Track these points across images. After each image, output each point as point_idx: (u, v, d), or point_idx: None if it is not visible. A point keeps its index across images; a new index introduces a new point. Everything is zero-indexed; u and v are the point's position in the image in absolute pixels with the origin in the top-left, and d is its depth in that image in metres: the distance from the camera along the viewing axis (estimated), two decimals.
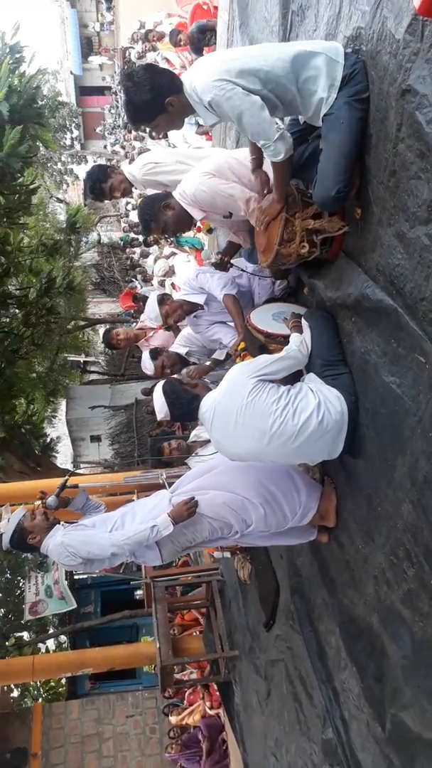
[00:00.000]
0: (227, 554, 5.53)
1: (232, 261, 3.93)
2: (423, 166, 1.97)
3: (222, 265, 3.90)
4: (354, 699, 2.97)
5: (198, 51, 7.33)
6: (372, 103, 2.31)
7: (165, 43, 9.99)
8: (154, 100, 2.58)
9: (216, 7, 6.05)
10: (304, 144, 2.81)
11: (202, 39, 7.07)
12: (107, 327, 9.20)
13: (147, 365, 4.89)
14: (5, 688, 10.62)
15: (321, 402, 2.75)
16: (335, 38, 2.60)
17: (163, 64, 10.17)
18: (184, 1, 9.13)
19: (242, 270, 3.90)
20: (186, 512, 3.20)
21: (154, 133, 9.86)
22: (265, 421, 2.75)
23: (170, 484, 3.81)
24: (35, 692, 13.11)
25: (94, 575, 11.49)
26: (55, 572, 8.36)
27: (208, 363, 4.36)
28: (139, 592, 11.31)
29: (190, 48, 7.70)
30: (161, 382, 3.37)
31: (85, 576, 12.07)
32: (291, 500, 3.23)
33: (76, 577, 11.48)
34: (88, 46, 29.27)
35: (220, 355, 4.37)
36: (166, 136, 9.06)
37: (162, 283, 10.01)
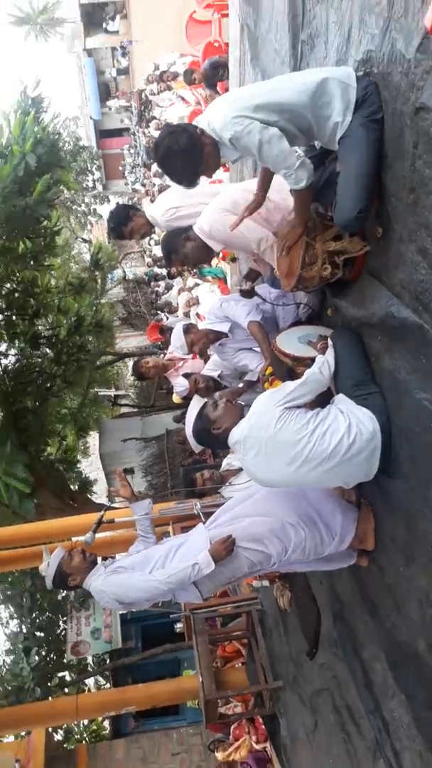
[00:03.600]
0: (266, 582, 5.45)
1: (255, 289, 3.95)
2: None
3: (249, 293, 3.92)
4: (405, 728, 2.87)
5: (212, 86, 7.53)
6: (386, 123, 2.34)
7: (179, 82, 10.29)
8: (191, 136, 2.65)
9: (227, 44, 6.20)
10: (321, 167, 2.84)
11: (215, 75, 7.26)
12: (136, 359, 9.28)
13: (180, 383, 4.95)
14: (50, 730, 10.52)
15: (351, 423, 2.72)
16: (346, 63, 2.65)
17: (178, 103, 10.45)
18: (195, 39, 9.40)
19: (264, 300, 3.91)
20: (224, 551, 3.16)
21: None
22: (295, 447, 2.73)
23: (205, 514, 3.79)
24: (78, 735, 12.94)
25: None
26: (108, 616, 8.32)
27: (240, 385, 4.35)
28: (179, 625, 11.17)
29: (204, 84, 7.91)
30: (191, 424, 3.56)
31: (124, 611, 11.98)
32: (330, 524, 3.18)
33: None
34: (105, 92, 30.21)
35: (252, 376, 4.34)
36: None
37: (187, 314, 10.11)
